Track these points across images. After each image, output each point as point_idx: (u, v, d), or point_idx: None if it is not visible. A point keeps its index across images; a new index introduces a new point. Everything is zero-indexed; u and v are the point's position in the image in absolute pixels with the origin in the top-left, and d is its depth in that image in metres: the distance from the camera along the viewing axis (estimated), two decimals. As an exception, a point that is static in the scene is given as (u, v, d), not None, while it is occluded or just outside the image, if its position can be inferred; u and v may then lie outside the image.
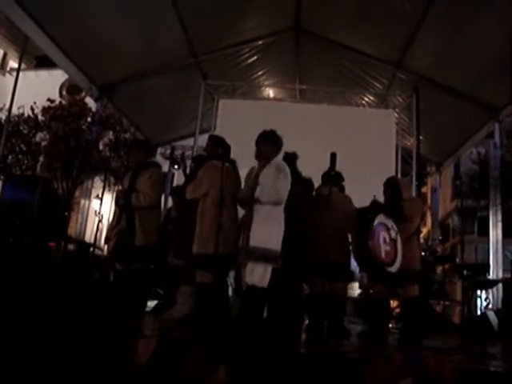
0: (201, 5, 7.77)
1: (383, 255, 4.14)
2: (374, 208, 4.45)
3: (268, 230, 3.74)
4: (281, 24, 9.28)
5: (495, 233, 8.35)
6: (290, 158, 4.45)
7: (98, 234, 5.97)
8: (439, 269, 7.80)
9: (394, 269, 4.20)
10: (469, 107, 8.64)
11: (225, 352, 2.80)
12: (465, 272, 6.72)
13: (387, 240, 4.22)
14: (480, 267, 7.59)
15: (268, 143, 4.04)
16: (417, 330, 4.40)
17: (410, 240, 4.45)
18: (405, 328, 4.57)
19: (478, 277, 7.02)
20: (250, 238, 3.73)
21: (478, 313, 7.52)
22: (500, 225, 8.30)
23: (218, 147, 4.29)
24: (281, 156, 4.15)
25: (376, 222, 4.21)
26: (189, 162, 5.28)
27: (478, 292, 7.93)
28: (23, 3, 6.60)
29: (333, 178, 4.54)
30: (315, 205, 4.57)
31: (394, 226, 4.31)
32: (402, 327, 4.67)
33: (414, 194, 8.51)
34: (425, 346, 4.10)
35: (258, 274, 3.67)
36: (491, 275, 7.85)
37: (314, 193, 4.89)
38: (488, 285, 7.45)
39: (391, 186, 4.66)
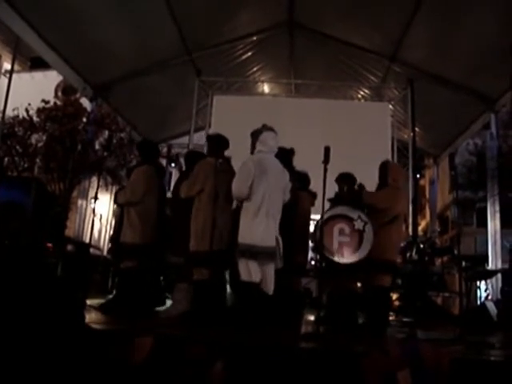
0: (193, 1, 7.73)
1: (334, 246, 4.29)
2: (334, 200, 4.61)
3: (245, 225, 3.80)
4: (274, 19, 9.23)
5: (493, 223, 8.33)
6: (286, 154, 4.43)
7: (97, 233, 5.94)
8: (438, 261, 7.81)
9: (351, 259, 4.30)
10: (464, 98, 8.60)
11: (222, 347, 2.79)
12: (463, 263, 6.72)
13: (346, 231, 4.33)
14: (478, 258, 7.60)
15: (252, 140, 4.04)
16: (380, 320, 4.41)
17: (386, 230, 4.42)
18: (368, 317, 4.54)
19: (476, 268, 7.02)
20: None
21: (478, 304, 7.53)
22: (498, 215, 8.27)
23: (215, 145, 4.33)
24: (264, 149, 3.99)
25: (328, 214, 4.34)
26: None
27: (478, 283, 7.93)
28: (14, 3, 6.53)
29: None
30: None
31: (363, 216, 4.36)
32: (367, 316, 4.62)
33: (410, 186, 8.54)
34: (423, 338, 4.09)
35: (242, 269, 3.76)
36: (490, 266, 7.85)
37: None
38: (486, 275, 7.46)
39: (380, 169, 4.73)
